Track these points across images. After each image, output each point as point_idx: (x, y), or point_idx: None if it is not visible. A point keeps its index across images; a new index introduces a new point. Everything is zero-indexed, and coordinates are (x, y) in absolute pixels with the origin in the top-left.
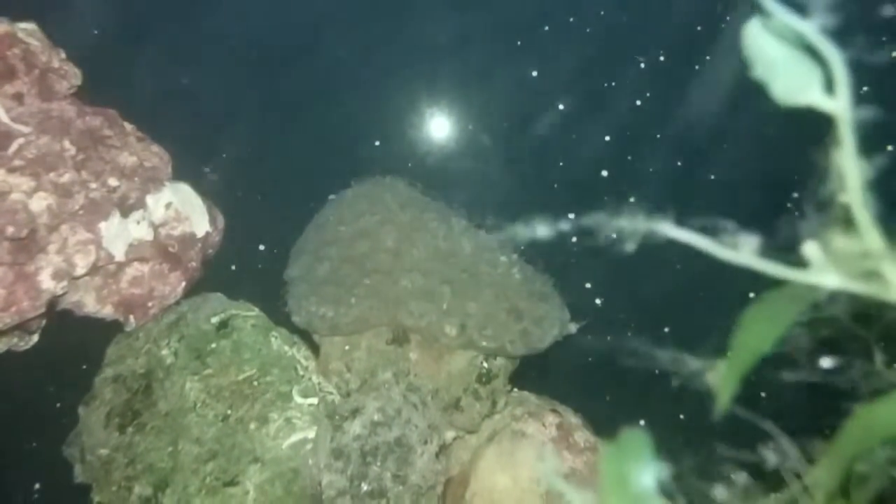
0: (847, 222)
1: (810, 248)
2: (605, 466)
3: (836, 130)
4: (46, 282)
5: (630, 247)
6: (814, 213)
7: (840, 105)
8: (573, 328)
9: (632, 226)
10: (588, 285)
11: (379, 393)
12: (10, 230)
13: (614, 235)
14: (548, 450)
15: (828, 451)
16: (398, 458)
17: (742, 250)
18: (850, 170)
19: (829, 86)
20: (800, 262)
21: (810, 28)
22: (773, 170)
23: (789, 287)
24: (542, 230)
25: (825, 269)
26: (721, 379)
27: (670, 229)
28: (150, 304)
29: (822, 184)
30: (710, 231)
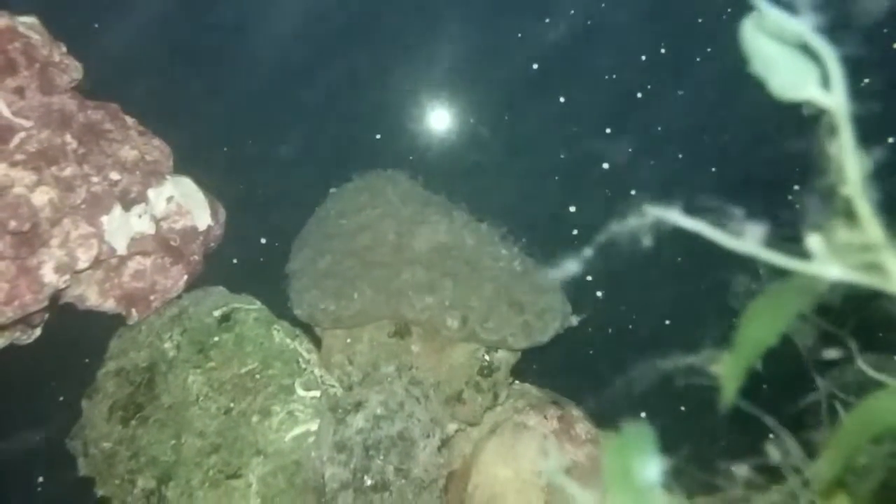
0: (849, 214)
1: (813, 240)
2: (609, 460)
3: (834, 124)
4: (49, 275)
5: (646, 242)
6: (815, 206)
7: (836, 100)
8: (574, 321)
9: (641, 221)
10: (589, 278)
11: (382, 386)
12: (12, 224)
13: (616, 227)
14: (550, 445)
15: (828, 443)
16: (401, 452)
17: (747, 239)
18: (849, 163)
19: (826, 80)
20: (802, 255)
21: (803, 26)
22: (775, 162)
23: (793, 280)
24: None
25: (828, 260)
26: (726, 372)
27: (677, 217)
28: (152, 297)
29: (822, 176)
30: (716, 219)
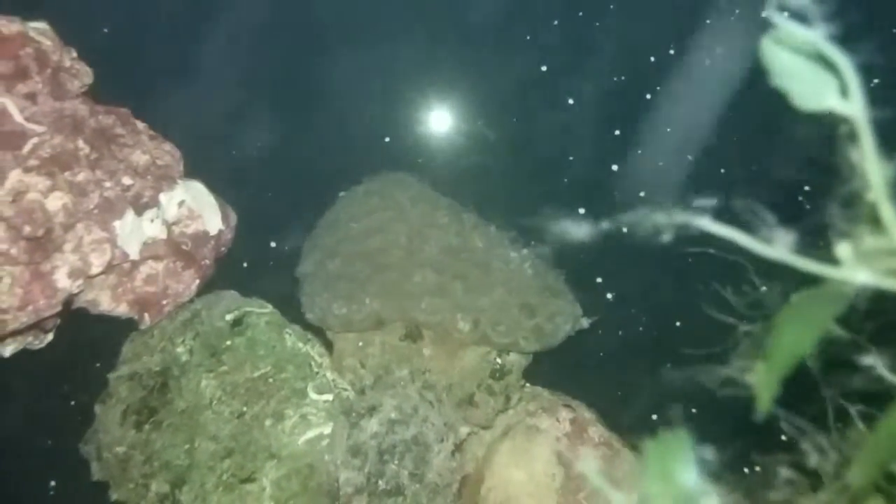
0: (874, 220)
1: (842, 248)
2: (649, 465)
3: (854, 131)
4: (62, 280)
5: (656, 243)
6: (839, 212)
7: (855, 108)
8: (585, 323)
9: (668, 219)
10: (599, 280)
11: (395, 391)
12: (26, 229)
13: (625, 230)
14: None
15: (861, 449)
16: (415, 457)
17: (776, 245)
18: (872, 170)
19: (845, 88)
20: (828, 260)
21: (818, 37)
22: (790, 167)
23: (823, 287)
24: (577, 226)
25: (856, 266)
26: (760, 380)
27: (706, 223)
28: (164, 301)
29: (845, 183)
30: (744, 224)
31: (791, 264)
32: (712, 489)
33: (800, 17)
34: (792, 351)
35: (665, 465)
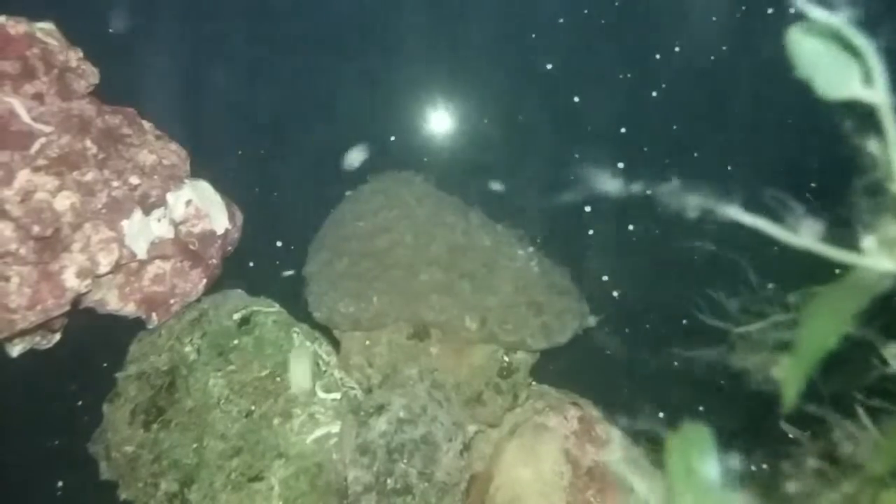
0: None
1: (868, 241)
2: (672, 459)
3: (878, 119)
4: (70, 280)
5: (673, 235)
6: (862, 203)
7: (879, 95)
8: (592, 321)
9: (701, 203)
10: (605, 278)
11: (404, 390)
12: (35, 229)
13: (631, 227)
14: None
15: (881, 441)
16: (424, 456)
17: (803, 234)
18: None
19: (869, 77)
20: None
21: (842, 22)
22: (801, 159)
23: (847, 280)
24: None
25: (880, 255)
26: (786, 375)
27: (735, 212)
28: (171, 301)
29: (867, 173)
30: (773, 213)
31: (808, 256)
32: (734, 483)
33: (825, 3)
34: (819, 345)
35: (687, 459)
